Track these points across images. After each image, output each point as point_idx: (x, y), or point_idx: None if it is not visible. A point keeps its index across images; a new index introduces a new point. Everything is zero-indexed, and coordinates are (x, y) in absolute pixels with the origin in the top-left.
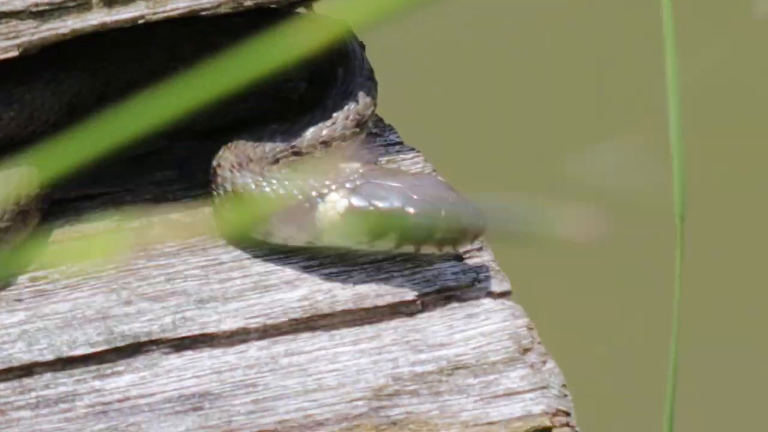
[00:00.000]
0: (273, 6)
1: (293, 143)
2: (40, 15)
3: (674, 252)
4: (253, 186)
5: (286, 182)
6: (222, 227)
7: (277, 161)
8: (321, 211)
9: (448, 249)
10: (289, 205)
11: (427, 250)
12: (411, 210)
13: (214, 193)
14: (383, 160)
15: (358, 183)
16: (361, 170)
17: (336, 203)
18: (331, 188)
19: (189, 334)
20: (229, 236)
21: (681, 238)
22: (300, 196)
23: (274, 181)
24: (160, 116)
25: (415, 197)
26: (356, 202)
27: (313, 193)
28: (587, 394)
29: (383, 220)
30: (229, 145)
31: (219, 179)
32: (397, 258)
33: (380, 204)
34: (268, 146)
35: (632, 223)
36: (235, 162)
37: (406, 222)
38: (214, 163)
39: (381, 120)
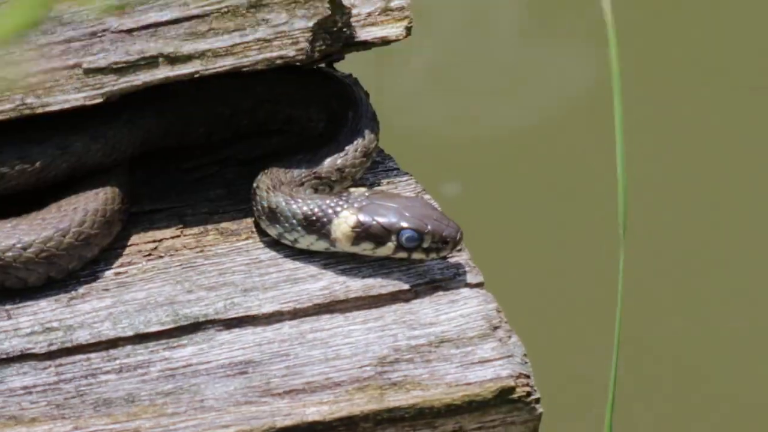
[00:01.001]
0: (298, 64)
1: (315, 169)
2: (118, 71)
3: (618, 259)
4: (284, 203)
5: (309, 201)
6: (259, 234)
7: (302, 184)
8: (335, 224)
9: (433, 255)
10: (311, 219)
11: (417, 256)
12: (404, 224)
13: (255, 208)
14: (385, 181)
15: (364, 203)
16: (366, 193)
17: (347, 219)
18: (343, 207)
19: (236, 315)
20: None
21: (623, 247)
22: (319, 213)
23: (300, 201)
24: (213, 148)
25: (407, 215)
26: (362, 217)
27: (329, 211)
28: (544, 361)
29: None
30: (266, 171)
31: (258, 198)
32: (396, 259)
33: (381, 219)
34: (296, 172)
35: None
36: (270, 185)
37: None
38: (254, 185)
39: (382, 151)
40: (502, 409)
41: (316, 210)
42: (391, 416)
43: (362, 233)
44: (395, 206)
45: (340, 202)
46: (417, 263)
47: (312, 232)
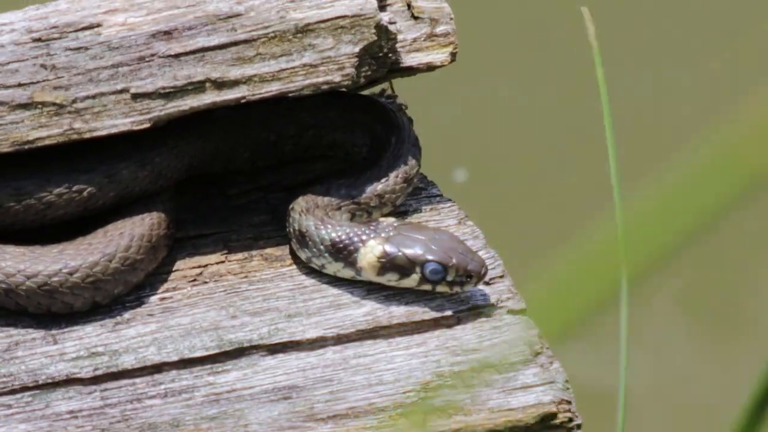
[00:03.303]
0: (343, 90)
1: (354, 194)
2: (166, 96)
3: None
4: (314, 228)
5: (338, 228)
6: (294, 258)
7: (339, 208)
8: (362, 254)
9: (457, 289)
10: (338, 246)
11: (441, 289)
12: (429, 257)
13: (287, 230)
14: (427, 208)
15: (391, 234)
16: (395, 224)
17: (373, 248)
18: (370, 236)
19: (280, 341)
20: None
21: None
22: (346, 240)
23: (329, 226)
24: (257, 173)
25: (433, 247)
26: (389, 248)
27: (356, 239)
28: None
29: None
30: (305, 194)
31: (291, 220)
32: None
33: (407, 251)
34: (335, 196)
35: None
36: (305, 207)
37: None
38: (290, 207)
39: (425, 177)
40: None
41: (343, 237)
42: None
43: (387, 264)
44: (422, 238)
45: (368, 231)
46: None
47: (339, 260)
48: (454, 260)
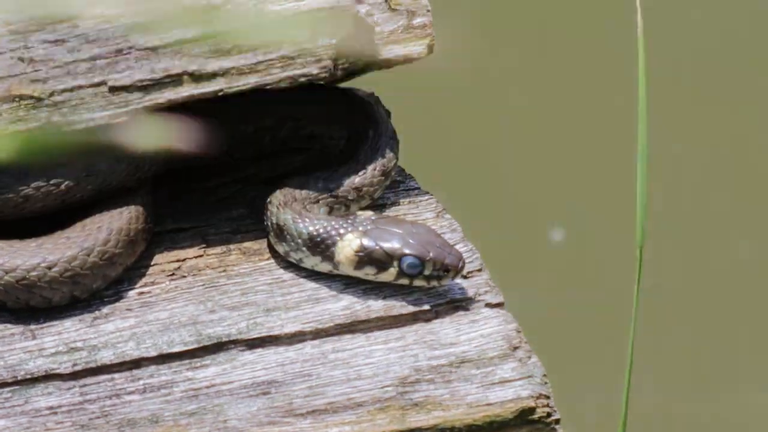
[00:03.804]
0: (321, 83)
1: (331, 188)
2: (144, 89)
3: (634, 276)
4: (291, 221)
5: (315, 222)
6: (272, 252)
7: (317, 201)
8: (339, 247)
9: (434, 283)
10: (315, 240)
11: (419, 283)
12: (407, 251)
13: (265, 224)
14: (405, 201)
15: (369, 228)
16: (372, 218)
17: (351, 242)
18: (348, 230)
19: (259, 335)
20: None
21: (640, 265)
22: (324, 234)
23: (307, 220)
24: (236, 166)
25: (411, 241)
26: (366, 242)
27: (334, 233)
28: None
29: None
30: (282, 187)
31: (268, 213)
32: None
33: (384, 245)
34: (312, 189)
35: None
36: (282, 201)
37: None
38: (267, 200)
39: (403, 170)
40: (523, 429)
41: (321, 231)
42: None
43: (365, 257)
44: (400, 232)
45: (345, 225)
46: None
47: (317, 254)
48: (431, 254)
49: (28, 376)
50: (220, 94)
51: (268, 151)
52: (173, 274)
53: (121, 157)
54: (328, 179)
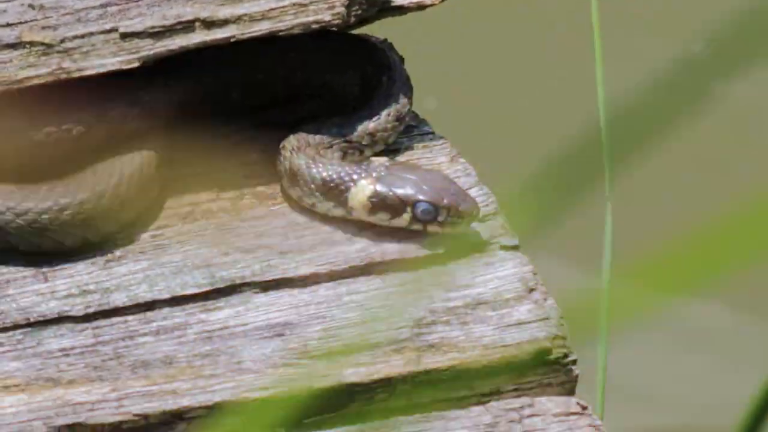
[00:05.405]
0: (334, 29)
1: (345, 133)
2: (155, 35)
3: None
4: (305, 166)
5: (329, 167)
6: (285, 196)
7: (331, 146)
8: (352, 193)
9: (448, 229)
10: (329, 185)
11: (432, 229)
12: (420, 197)
13: (278, 168)
14: (419, 145)
15: (382, 173)
16: (386, 164)
17: (364, 188)
18: (361, 176)
19: (273, 278)
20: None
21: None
22: (337, 179)
23: (320, 165)
24: (250, 112)
25: (425, 187)
26: (379, 187)
27: (347, 178)
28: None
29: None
30: (295, 132)
31: (281, 158)
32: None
33: (397, 191)
34: (326, 135)
35: None
36: (296, 145)
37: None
38: (281, 145)
39: (416, 115)
40: (539, 371)
41: (334, 177)
42: (428, 378)
43: (378, 203)
44: (414, 178)
45: (359, 171)
46: (432, 236)
47: (329, 199)
48: (445, 200)
49: (41, 319)
50: (232, 40)
51: (281, 98)
52: (186, 218)
53: (134, 103)
54: (342, 125)
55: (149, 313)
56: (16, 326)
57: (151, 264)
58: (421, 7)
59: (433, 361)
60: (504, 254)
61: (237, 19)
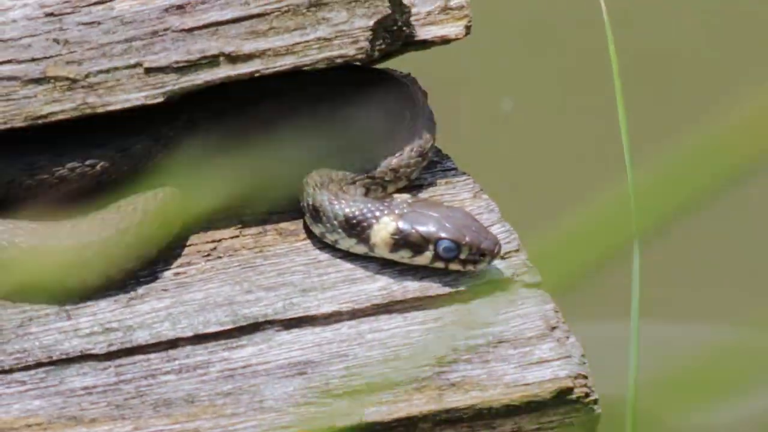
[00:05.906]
0: (357, 63)
1: (368, 169)
2: (179, 70)
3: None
4: (327, 203)
5: (351, 203)
6: (308, 232)
7: (354, 182)
8: (375, 230)
9: (470, 267)
10: (351, 222)
11: (454, 267)
12: (443, 235)
13: (301, 205)
14: (442, 181)
15: (405, 211)
16: (409, 201)
17: (387, 225)
18: (384, 213)
19: (295, 315)
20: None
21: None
22: (360, 216)
23: (343, 202)
24: (272, 146)
25: (447, 225)
26: (402, 225)
27: (370, 215)
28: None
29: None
30: (318, 168)
31: (305, 194)
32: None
33: (420, 228)
34: (349, 170)
35: None
36: (319, 181)
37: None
38: (304, 181)
39: (440, 151)
40: (561, 410)
41: (357, 213)
42: (450, 417)
43: (401, 240)
44: (436, 216)
45: (382, 208)
46: (454, 274)
47: (352, 236)
48: (467, 238)
49: (64, 357)
50: (257, 75)
51: (305, 131)
52: (209, 255)
53: (157, 139)
54: (365, 160)
55: (172, 351)
56: (39, 364)
57: (174, 302)
58: (445, 42)
59: (455, 400)
60: (526, 292)
61: (261, 54)
